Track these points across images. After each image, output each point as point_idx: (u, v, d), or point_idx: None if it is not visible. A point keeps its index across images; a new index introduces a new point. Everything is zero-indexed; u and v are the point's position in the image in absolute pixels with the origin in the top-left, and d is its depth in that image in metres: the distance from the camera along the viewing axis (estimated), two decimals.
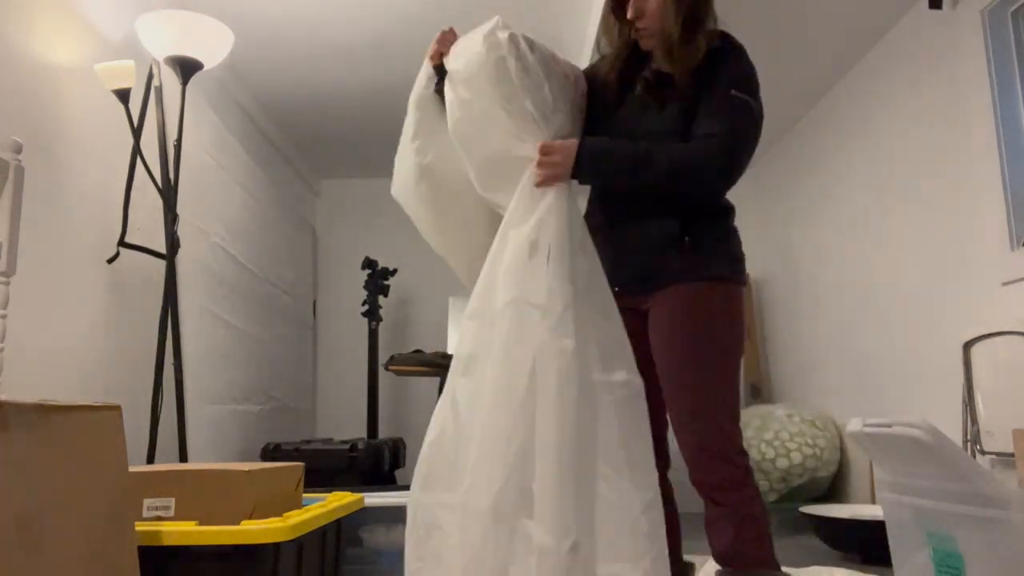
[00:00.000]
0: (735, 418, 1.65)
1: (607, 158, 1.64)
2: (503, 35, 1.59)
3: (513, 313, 1.55)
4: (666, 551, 1.49)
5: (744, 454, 1.63)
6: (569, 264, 1.57)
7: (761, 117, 1.65)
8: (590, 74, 1.83)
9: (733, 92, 1.60)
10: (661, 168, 1.60)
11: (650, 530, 1.48)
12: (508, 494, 1.46)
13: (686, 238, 1.64)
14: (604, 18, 1.81)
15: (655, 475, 1.53)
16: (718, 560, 1.61)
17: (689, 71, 1.61)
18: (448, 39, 1.72)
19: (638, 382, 1.57)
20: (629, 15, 1.68)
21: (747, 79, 1.63)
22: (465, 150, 1.70)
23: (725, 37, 1.67)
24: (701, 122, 1.61)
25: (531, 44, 1.64)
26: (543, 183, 1.61)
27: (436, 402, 1.64)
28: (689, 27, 1.62)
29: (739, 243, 1.74)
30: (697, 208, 1.66)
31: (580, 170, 1.62)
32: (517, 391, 1.51)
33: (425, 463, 1.59)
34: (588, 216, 1.72)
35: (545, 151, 1.61)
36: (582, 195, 1.75)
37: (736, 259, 1.72)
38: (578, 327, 1.53)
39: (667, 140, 1.62)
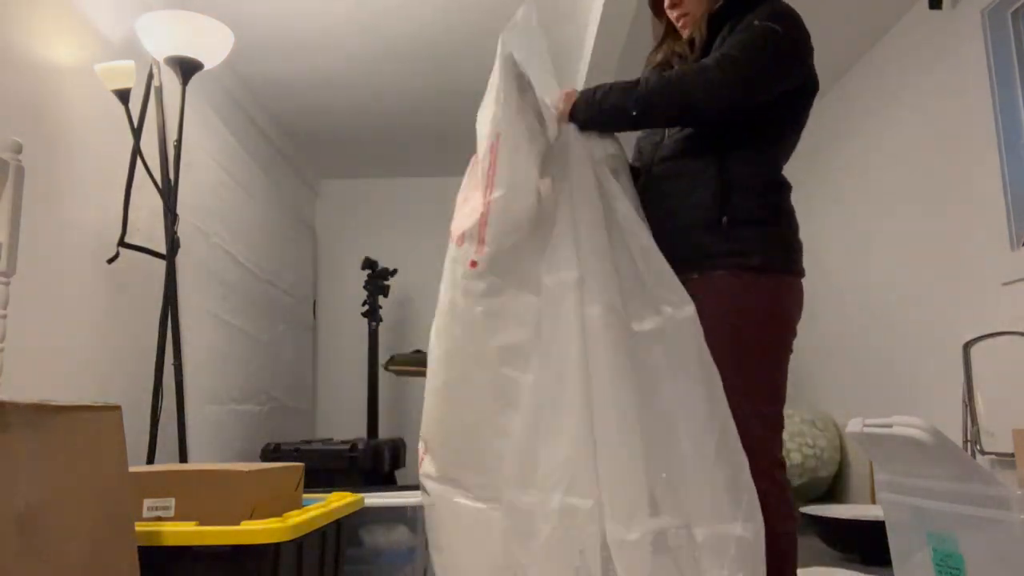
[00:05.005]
0: (772, 425, 1.52)
1: (600, 89, 1.55)
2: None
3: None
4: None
5: (781, 466, 1.51)
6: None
7: (786, 45, 1.48)
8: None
9: (756, 22, 1.47)
10: (650, 87, 1.50)
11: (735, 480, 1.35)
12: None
13: (724, 218, 1.48)
14: (652, 20, 1.76)
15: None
16: None
17: (709, 11, 1.56)
18: None
19: (686, 311, 1.42)
20: (667, 4, 1.63)
21: (777, 13, 1.49)
22: None
23: None
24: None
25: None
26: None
27: None
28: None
29: (794, 226, 1.56)
30: (739, 182, 1.50)
31: (575, 108, 1.55)
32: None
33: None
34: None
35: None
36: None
37: (787, 245, 1.53)
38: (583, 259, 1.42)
39: None
